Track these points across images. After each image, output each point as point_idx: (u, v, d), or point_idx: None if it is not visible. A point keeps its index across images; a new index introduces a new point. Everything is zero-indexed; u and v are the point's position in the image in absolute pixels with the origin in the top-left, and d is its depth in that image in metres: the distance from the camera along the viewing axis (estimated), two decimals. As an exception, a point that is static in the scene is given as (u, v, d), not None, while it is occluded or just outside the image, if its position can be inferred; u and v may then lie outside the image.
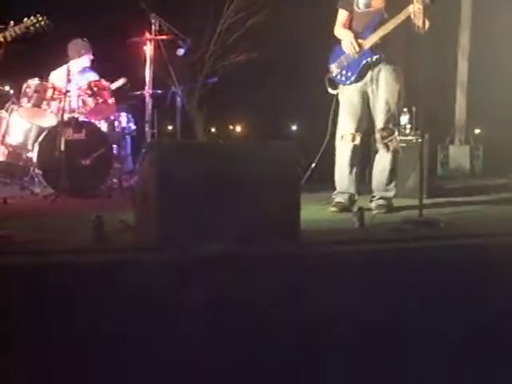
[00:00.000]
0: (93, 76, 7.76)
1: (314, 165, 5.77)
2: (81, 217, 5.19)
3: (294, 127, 29.39)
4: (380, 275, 3.46)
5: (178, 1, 13.23)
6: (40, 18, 4.85)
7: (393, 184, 5.73)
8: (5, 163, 7.43)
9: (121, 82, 7.59)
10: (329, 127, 5.81)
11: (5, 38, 5.00)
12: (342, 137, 5.74)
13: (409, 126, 7.05)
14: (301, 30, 12.84)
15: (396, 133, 5.66)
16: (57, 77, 7.57)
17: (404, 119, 7.01)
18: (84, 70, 7.85)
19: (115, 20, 10.90)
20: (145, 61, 6.97)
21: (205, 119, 15.52)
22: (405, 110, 6.98)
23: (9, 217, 5.11)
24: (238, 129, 34.36)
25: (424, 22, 5.26)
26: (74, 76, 7.30)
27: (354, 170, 5.76)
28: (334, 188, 5.89)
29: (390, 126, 5.61)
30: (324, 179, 6.08)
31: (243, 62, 14.17)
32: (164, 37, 7.06)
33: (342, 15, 5.78)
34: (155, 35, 6.98)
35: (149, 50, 6.93)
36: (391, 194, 5.71)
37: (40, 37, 6.80)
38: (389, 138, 5.58)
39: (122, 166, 7.13)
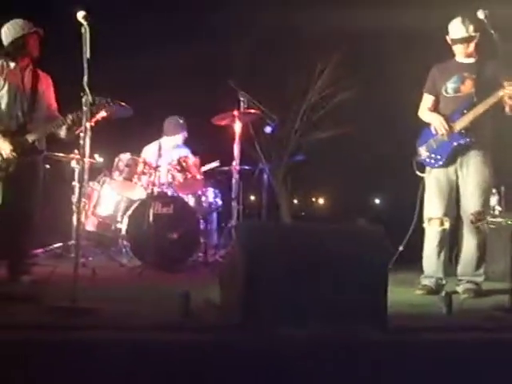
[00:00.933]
0: (184, 152, 7.98)
1: (401, 248, 5.71)
2: (167, 291, 5.24)
3: (377, 201, 29.25)
4: (474, 367, 3.35)
5: (266, 78, 13.55)
6: (108, 99, 5.10)
7: (482, 269, 5.58)
8: (94, 233, 7.67)
9: (213, 164, 7.73)
10: (416, 210, 5.76)
11: (77, 117, 5.26)
12: (429, 221, 5.68)
13: (498, 207, 6.90)
14: (386, 107, 12.91)
15: (488, 217, 5.56)
16: (149, 152, 7.82)
17: (493, 200, 6.87)
18: (176, 146, 8.09)
19: (204, 97, 11.26)
20: (233, 137, 7.09)
21: (288, 192, 15.61)
22: (494, 191, 6.87)
23: (97, 289, 5.20)
24: (321, 201, 34.42)
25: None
26: (166, 151, 7.50)
27: (442, 254, 5.66)
28: (419, 270, 5.81)
29: (482, 210, 5.51)
30: (409, 259, 6.00)
31: (328, 138, 14.28)
32: (252, 114, 7.18)
33: (428, 99, 5.82)
34: (243, 112, 7.10)
35: (237, 126, 7.04)
36: (480, 278, 5.56)
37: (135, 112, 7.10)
38: (480, 223, 5.47)
39: (207, 240, 7.21)
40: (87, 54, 4.40)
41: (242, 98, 7.16)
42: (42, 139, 5.51)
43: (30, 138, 5.32)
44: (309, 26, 13.10)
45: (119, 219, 7.34)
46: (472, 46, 5.58)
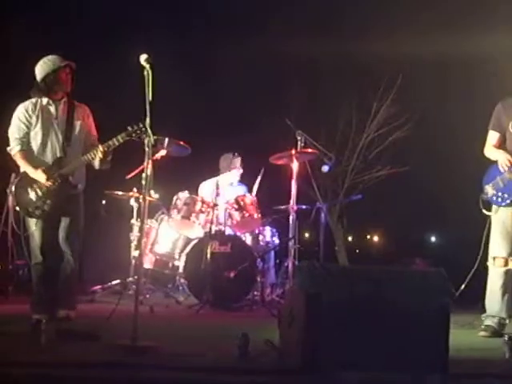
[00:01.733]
0: (242, 190, 8.05)
1: (462, 287, 5.63)
2: (225, 331, 5.28)
3: (433, 238, 28.87)
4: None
5: (322, 116, 13.59)
6: (141, 126, 5.13)
7: None
8: (152, 271, 7.77)
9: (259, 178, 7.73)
10: (481, 248, 5.68)
11: (108, 147, 5.33)
12: (494, 260, 5.59)
13: None
14: (444, 144, 12.81)
15: None
16: (206, 189, 7.90)
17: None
18: (233, 184, 8.15)
19: (262, 135, 11.34)
20: (290, 176, 7.10)
21: (344, 229, 15.54)
22: None
23: (155, 326, 5.25)
24: (375, 238, 34.14)
25: None
26: (223, 189, 7.57)
27: (507, 294, 5.55)
28: (479, 311, 5.72)
29: None
30: (468, 300, 5.90)
31: (384, 176, 14.20)
32: (309, 153, 7.19)
33: (494, 137, 5.75)
34: (300, 151, 7.12)
35: (294, 165, 7.06)
36: None
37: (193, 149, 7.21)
38: None
39: (264, 279, 7.21)
40: (149, 96, 4.50)
41: (299, 137, 7.18)
42: (79, 173, 5.52)
43: (65, 171, 5.35)
44: (365, 65, 13.13)
45: (177, 257, 7.43)
46: None
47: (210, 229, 6.97)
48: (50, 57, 5.43)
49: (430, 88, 12.91)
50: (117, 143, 5.32)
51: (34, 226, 5.35)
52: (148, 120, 4.56)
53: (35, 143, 5.42)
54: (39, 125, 5.41)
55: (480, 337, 5.40)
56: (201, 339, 4.86)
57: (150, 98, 4.50)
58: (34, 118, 5.41)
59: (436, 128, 13.01)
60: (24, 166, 5.39)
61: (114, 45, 10.47)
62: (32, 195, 5.34)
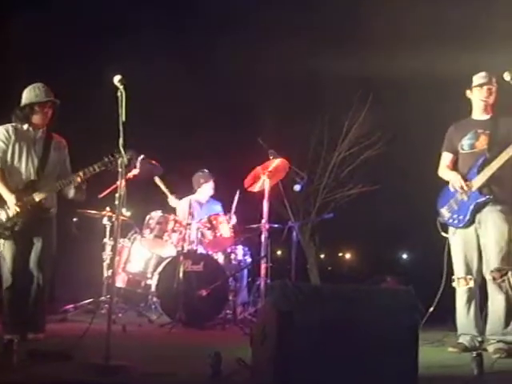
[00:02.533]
0: (217, 206, 8.11)
1: (431, 309, 5.71)
2: (197, 349, 5.30)
3: (405, 255, 29.11)
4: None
5: (293, 134, 13.70)
6: (117, 156, 5.18)
7: (510, 327, 5.53)
8: (124, 289, 7.76)
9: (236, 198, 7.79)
10: (444, 270, 5.77)
11: (84, 174, 5.39)
12: (456, 280, 5.71)
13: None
14: (415, 162, 12.98)
15: (509, 273, 5.48)
16: (179, 208, 7.93)
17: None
18: (209, 201, 8.20)
19: (234, 155, 11.40)
20: (262, 195, 7.15)
21: (316, 247, 15.64)
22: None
23: (128, 345, 5.24)
24: (347, 256, 34.35)
25: None
26: (197, 208, 7.61)
27: (472, 311, 5.64)
28: (449, 327, 5.86)
29: (503, 267, 5.47)
30: (438, 317, 5.97)
31: (356, 194, 14.35)
32: (281, 172, 7.25)
33: (447, 158, 5.91)
34: (273, 170, 7.17)
35: (267, 185, 7.10)
36: (510, 338, 5.52)
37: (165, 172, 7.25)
38: (501, 279, 5.45)
39: (236, 297, 7.24)
40: (123, 116, 4.53)
41: (271, 157, 7.23)
42: (51, 198, 5.54)
43: (37, 196, 5.36)
44: (336, 85, 13.28)
45: (149, 276, 7.44)
46: (491, 96, 5.69)
47: (183, 248, 7.00)
48: (37, 87, 5.49)
49: (401, 107, 13.11)
50: (93, 171, 5.38)
51: (2, 246, 5.33)
52: (121, 140, 4.58)
53: (12, 166, 5.43)
54: (17, 147, 5.44)
55: (450, 353, 5.47)
56: (173, 358, 4.87)
57: (124, 119, 4.53)
58: (12, 139, 5.44)
59: (407, 146, 13.18)
60: None
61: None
62: (2, 215, 5.34)
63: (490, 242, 5.52)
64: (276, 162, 7.13)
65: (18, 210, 5.28)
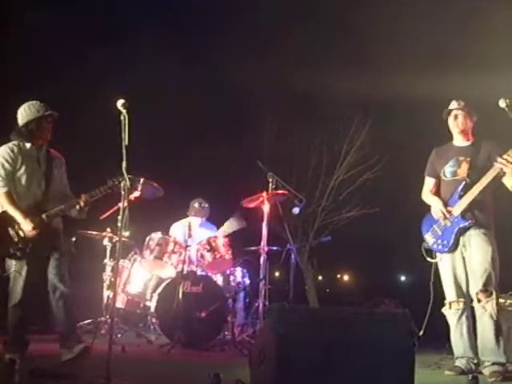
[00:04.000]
0: (211, 229, 8.16)
1: (421, 333, 5.74)
2: (196, 370, 5.35)
3: (403, 278, 29.12)
4: None
5: (293, 157, 13.80)
6: (120, 179, 5.25)
7: (501, 348, 5.50)
8: (123, 310, 7.79)
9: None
10: (431, 294, 5.84)
11: (91, 196, 5.46)
12: (448, 304, 5.77)
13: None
14: (413, 185, 13.04)
15: (494, 295, 5.52)
16: (177, 229, 8.00)
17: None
18: (202, 224, 8.26)
19: (234, 178, 11.48)
20: (261, 217, 7.22)
21: (314, 269, 15.69)
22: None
23: (127, 366, 5.28)
24: (345, 278, 34.33)
25: None
26: (195, 230, 7.67)
27: (465, 334, 5.68)
28: (448, 350, 5.91)
29: (488, 288, 5.51)
30: (436, 340, 6.02)
31: (354, 217, 14.43)
32: (280, 195, 7.32)
33: (429, 182, 6.01)
34: (271, 194, 7.25)
35: (265, 207, 7.18)
36: (503, 359, 5.51)
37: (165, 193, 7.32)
38: (486, 300, 5.50)
39: (235, 319, 7.27)
40: (126, 140, 4.60)
41: (270, 179, 7.31)
42: (57, 218, 5.54)
43: (46, 218, 5.35)
44: (335, 107, 13.40)
45: (148, 297, 7.48)
46: (461, 119, 5.78)
47: (182, 269, 7.06)
48: (34, 103, 5.47)
49: (399, 130, 13.22)
50: (99, 195, 5.44)
51: (14, 267, 5.30)
52: (124, 164, 4.66)
53: (19, 186, 5.41)
54: (23, 168, 5.42)
55: (446, 376, 5.51)
56: (173, 378, 4.92)
57: (127, 142, 4.61)
58: (19, 160, 5.41)
59: (404, 169, 13.25)
60: (9, 208, 5.33)
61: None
62: (14, 236, 5.29)
63: (475, 264, 5.58)
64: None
65: (35, 232, 5.25)
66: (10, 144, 5.48)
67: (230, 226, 7.80)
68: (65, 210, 5.47)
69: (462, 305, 5.67)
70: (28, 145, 5.47)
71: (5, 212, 5.35)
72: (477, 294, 5.52)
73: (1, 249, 5.31)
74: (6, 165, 5.39)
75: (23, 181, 5.41)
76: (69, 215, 5.59)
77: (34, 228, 5.25)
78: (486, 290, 5.50)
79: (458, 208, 5.63)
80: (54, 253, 5.42)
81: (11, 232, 5.31)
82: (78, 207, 5.44)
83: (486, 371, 5.47)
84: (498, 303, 5.55)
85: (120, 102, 4.73)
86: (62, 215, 5.57)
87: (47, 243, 5.38)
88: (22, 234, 5.30)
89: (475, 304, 5.57)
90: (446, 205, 5.73)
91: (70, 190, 5.70)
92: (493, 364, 5.47)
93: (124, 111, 4.69)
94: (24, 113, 5.45)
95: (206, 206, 8.22)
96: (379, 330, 3.77)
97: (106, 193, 5.46)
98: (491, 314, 5.50)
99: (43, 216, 5.35)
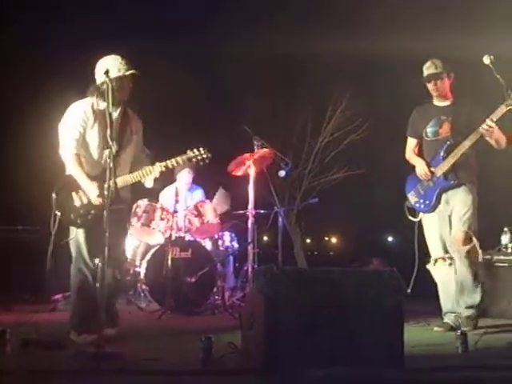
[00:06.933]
0: (199, 193, 8.15)
1: (409, 291, 5.78)
2: (187, 335, 5.38)
3: (390, 238, 29.32)
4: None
5: (277, 120, 13.77)
6: (202, 151, 5.07)
7: (478, 289, 5.61)
8: (113, 278, 7.79)
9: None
10: (416, 253, 5.87)
11: (166, 167, 5.16)
12: (433, 261, 5.83)
13: (510, 245, 6.96)
14: (398, 145, 13.05)
15: (475, 241, 5.59)
16: (165, 196, 7.97)
17: (505, 239, 6.97)
18: (191, 188, 8.22)
19: (219, 143, 11.44)
20: (248, 181, 7.22)
21: (302, 232, 15.74)
22: (505, 229, 6.97)
23: (118, 333, 5.29)
24: (333, 240, 34.53)
25: (497, 142, 5.52)
26: (182, 195, 7.65)
27: (452, 289, 5.73)
28: (434, 305, 5.95)
29: (467, 231, 5.58)
30: (419, 296, 6.07)
31: (340, 179, 14.45)
32: (267, 158, 7.33)
33: (411, 142, 6.04)
34: (258, 154, 7.25)
35: (252, 171, 7.18)
36: (477, 299, 5.61)
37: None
38: (466, 246, 5.56)
39: (224, 283, 7.31)
40: (110, 108, 4.51)
41: (256, 143, 7.30)
42: (126, 188, 5.15)
43: (117, 185, 4.76)
44: (319, 69, 13.34)
45: (138, 264, 7.49)
46: (440, 84, 5.76)
47: (171, 235, 7.06)
48: (116, 59, 5.01)
49: (382, 92, 13.19)
50: (176, 164, 5.12)
51: (74, 233, 5.01)
52: (109, 131, 4.49)
53: (91, 149, 5.04)
54: (96, 129, 5.01)
55: (435, 333, 5.59)
56: (164, 344, 4.96)
57: (111, 110, 4.53)
58: (91, 121, 5.01)
59: (390, 130, 13.25)
60: (77, 173, 4.98)
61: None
62: (76, 202, 4.98)
63: (455, 214, 5.66)
64: (262, 151, 7.21)
65: (100, 200, 4.83)
66: (83, 102, 5.08)
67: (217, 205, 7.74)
68: (136, 178, 5.06)
69: (448, 261, 5.72)
70: (103, 104, 4.87)
71: (69, 176, 5.03)
72: (458, 235, 5.58)
73: (62, 214, 4.96)
74: (79, 127, 4.98)
75: (94, 145, 5.00)
76: (143, 183, 5.18)
77: (98, 195, 4.85)
78: (465, 232, 5.57)
79: (440, 169, 5.68)
80: (112, 229, 4.42)
81: (74, 197, 4.99)
82: (152, 176, 5.06)
83: (463, 318, 5.57)
84: (476, 250, 5.60)
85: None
86: (132, 183, 5.14)
87: (109, 215, 4.42)
88: (85, 200, 4.97)
89: (455, 248, 5.62)
90: (428, 165, 5.75)
91: (146, 157, 5.31)
92: (467, 308, 5.59)
93: (107, 79, 4.57)
94: (104, 68, 4.76)
95: None
96: (367, 289, 3.81)
97: (183, 162, 5.16)
98: (469, 259, 5.58)
99: (111, 183, 4.54)
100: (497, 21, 9.39)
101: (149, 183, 5.16)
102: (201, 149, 5.13)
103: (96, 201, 4.90)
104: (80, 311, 5.01)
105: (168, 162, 5.11)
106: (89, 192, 4.94)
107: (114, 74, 4.87)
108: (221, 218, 7.50)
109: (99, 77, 5.00)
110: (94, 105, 5.04)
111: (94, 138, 5.01)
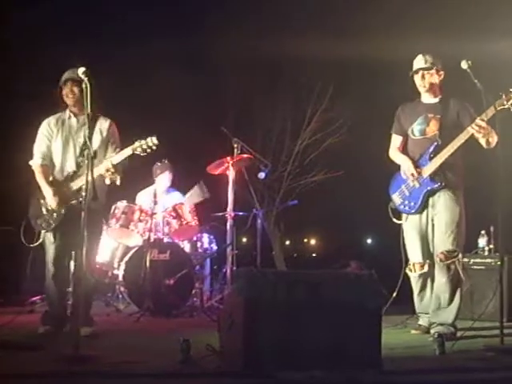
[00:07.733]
0: (177, 196, 8.11)
1: (395, 294, 5.80)
2: (166, 337, 5.37)
3: (369, 240, 29.41)
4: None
5: (257, 122, 13.78)
6: (148, 140, 5.12)
7: (453, 308, 5.50)
8: (91, 280, 7.74)
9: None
10: (402, 256, 5.79)
11: (111, 162, 5.20)
12: (412, 265, 5.73)
13: (487, 248, 6.98)
14: (377, 148, 13.11)
15: (459, 256, 5.53)
16: (143, 197, 7.93)
17: (482, 241, 6.99)
18: (168, 190, 8.19)
19: (198, 144, 11.43)
20: (227, 184, 7.22)
21: (281, 234, 15.76)
22: (482, 232, 7.00)
23: (96, 336, 5.27)
24: (312, 242, 34.56)
25: (487, 141, 5.39)
26: (160, 197, 7.63)
27: (428, 295, 5.72)
28: (411, 311, 5.95)
29: (452, 249, 5.49)
30: (402, 300, 6.09)
31: (319, 180, 14.49)
32: (245, 160, 7.33)
33: (397, 140, 5.90)
34: (237, 159, 7.25)
35: (231, 173, 7.18)
36: (451, 319, 5.48)
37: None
38: (450, 260, 5.48)
39: (203, 285, 7.30)
40: (88, 109, 4.53)
41: (235, 145, 7.30)
42: (97, 189, 4.94)
43: (74, 185, 5.26)
44: (298, 72, 13.37)
45: (116, 266, 7.46)
46: (428, 78, 5.65)
47: (149, 237, 7.04)
48: (69, 71, 5.36)
49: (361, 93, 13.24)
50: (122, 157, 5.20)
51: (42, 237, 5.38)
52: (87, 132, 4.60)
53: (56, 157, 5.43)
54: (59, 139, 5.43)
55: (413, 335, 5.60)
56: (143, 346, 4.93)
57: (89, 111, 4.55)
58: (54, 132, 5.44)
59: (369, 132, 13.31)
60: (39, 180, 5.38)
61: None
62: (43, 207, 5.35)
63: (441, 224, 5.53)
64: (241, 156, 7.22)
65: (56, 201, 5.25)
66: (53, 116, 5.52)
67: (193, 196, 7.73)
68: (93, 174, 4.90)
69: (426, 267, 5.64)
70: (67, 113, 5.46)
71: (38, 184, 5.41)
72: (441, 253, 5.48)
73: (31, 219, 5.41)
74: (44, 139, 5.44)
75: (60, 152, 5.40)
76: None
77: (53, 196, 5.25)
78: (450, 250, 5.47)
79: (427, 169, 5.54)
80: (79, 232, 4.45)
81: (42, 203, 5.36)
82: (107, 175, 5.19)
83: (432, 331, 5.44)
84: (462, 264, 5.58)
85: (81, 70, 4.64)
86: (105, 187, 5.42)
87: (76, 219, 4.52)
88: (49, 207, 5.32)
89: (437, 263, 5.54)
90: (415, 164, 5.62)
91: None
92: (438, 325, 5.48)
93: (85, 79, 4.59)
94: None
95: (166, 161, 7.95)
96: (346, 292, 3.82)
97: (132, 153, 5.19)
98: (451, 274, 5.48)
99: (71, 184, 5.28)
100: (472, 26, 9.48)
101: (108, 181, 5.33)
102: (149, 138, 5.15)
103: (52, 202, 5.27)
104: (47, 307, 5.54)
105: (117, 156, 5.23)
106: (47, 196, 5.31)
107: (60, 83, 5.40)
108: (198, 214, 7.48)
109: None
110: (59, 117, 5.50)
111: (58, 147, 5.42)
